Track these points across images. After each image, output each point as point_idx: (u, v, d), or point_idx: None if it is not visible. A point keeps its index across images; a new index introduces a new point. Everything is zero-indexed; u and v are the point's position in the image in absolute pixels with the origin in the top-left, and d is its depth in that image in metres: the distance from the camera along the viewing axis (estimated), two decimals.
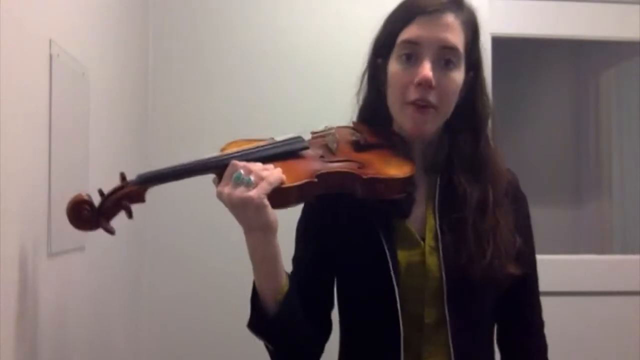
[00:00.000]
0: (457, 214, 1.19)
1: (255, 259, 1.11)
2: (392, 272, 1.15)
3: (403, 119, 1.20)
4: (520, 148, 3.20)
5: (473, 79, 1.23)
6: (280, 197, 1.08)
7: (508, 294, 1.24)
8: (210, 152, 1.14)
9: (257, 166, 1.07)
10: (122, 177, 1.10)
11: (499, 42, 2.49)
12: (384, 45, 1.22)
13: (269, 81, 2.41)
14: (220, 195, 1.07)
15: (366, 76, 1.27)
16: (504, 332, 1.30)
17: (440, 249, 1.17)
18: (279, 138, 1.18)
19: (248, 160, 1.09)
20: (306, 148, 1.17)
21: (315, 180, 1.11)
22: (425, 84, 1.14)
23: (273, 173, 1.07)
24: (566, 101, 3.39)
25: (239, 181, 1.05)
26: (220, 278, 2.33)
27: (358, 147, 1.20)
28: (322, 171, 1.13)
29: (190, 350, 2.36)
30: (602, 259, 2.68)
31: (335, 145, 1.18)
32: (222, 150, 1.15)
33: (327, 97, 2.29)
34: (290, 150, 1.16)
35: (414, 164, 1.19)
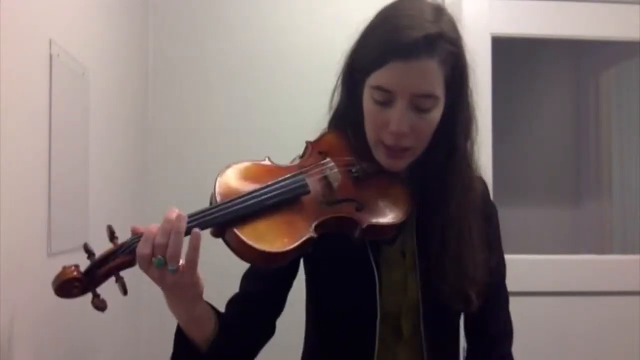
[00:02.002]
0: (425, 238, 1.18)
1: (179, 320, 1.11)
2: (377, 291, 1.16)
3: (377, 154, 1.15)
4: (520, 148, 3.20)
5: (455, 95, 1.13)
6: (279, 259, 1.04)
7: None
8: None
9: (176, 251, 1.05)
10: (111, 233, 1.04)
11: (499, 42, 2.49)
12: (359, 69, 1.16)
13: (269, 81, 2.41)
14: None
15: (343, 88, 1.23)
16: (468, 340, 1.31)
17: (418, 267, 1.18)
18: (276, 162, 1.14)
19: (245, 215, 1.03)
20: (307, 193, 1.10)
21: (315, 235, 1.06)
22: (398, 136, 1.10)
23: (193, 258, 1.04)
24: (566, 101, 3.39)
25: (161, 265, 1.04)
26: (220, 278, 2.30)
27: (356, 180, 1.16)
28: (321, 219, 1.08)
29: None
30: (602, 259, 2.67)
31: (337, 183, 1.13)
32: (220, 178, 1.08)
33: (327, 98, 2.27)
34: (291, 197, 1.08)
35: (409, 196, 1.17)
